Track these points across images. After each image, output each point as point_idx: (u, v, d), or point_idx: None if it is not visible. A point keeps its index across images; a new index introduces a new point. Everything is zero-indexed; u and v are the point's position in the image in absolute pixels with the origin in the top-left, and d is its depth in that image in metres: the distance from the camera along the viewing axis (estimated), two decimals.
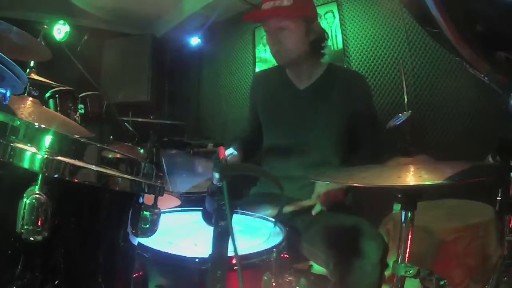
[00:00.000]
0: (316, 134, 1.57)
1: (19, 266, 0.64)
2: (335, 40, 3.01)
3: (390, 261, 1.36)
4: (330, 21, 3.04)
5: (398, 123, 1.77)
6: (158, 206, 0.86)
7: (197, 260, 0.91)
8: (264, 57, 3.67)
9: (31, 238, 0.62)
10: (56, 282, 0.67)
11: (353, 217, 1.39)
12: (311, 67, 1.59)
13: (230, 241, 0.78)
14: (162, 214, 0.87)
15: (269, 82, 1.73)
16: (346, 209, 1.52)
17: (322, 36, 1.58)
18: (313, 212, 1.43)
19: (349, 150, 1.60)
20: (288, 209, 1.42)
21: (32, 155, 0.64)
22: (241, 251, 0.94)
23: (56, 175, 0.64)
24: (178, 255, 0.94)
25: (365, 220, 1.36)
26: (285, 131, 1.63)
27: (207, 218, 0.90)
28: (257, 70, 3.75)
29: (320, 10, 3.09)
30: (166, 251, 0.95)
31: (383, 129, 1.86)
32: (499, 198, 1.24)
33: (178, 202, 1.72)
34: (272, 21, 1.47)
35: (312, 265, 1.61)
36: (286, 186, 0.95)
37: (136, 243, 0.88)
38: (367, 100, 1.62)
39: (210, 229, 0.81)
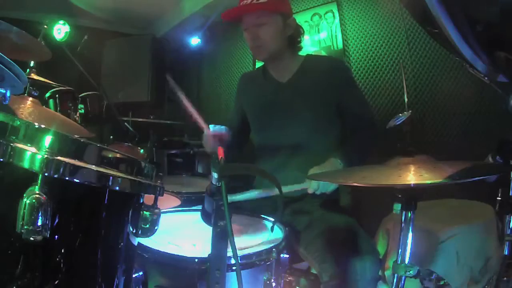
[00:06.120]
0: (305, 125, 1.58)
1: (19, 266, 0.64)
2: (335, 40, 3.01)
3: (390, 261, 1.36)
4: (330, 21, 3.04)
5: (398, 123, 1.77)
6: (158, 206, 0.86)
7: (196, 260, 0.91)
8: None
9: (31, 238, 0.62)
10: (56, 282, 0.67)
11: (349, 225, 1.37)
12: (290, 61, 1.65)
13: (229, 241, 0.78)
14: (162, 214, 0.87)
15: (253, 81, 1.80)
16: (344, 210, 1.51)
17: (298, 31, 1.65)
18: (309, 191, 1.33)
19: (342, 136, 1.61)
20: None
21: (32, 155, 0.64)
22: (241, 251, 0.95)
23: (56, 175, 0.64)
24: (177, 255, 0.94)
25: (363, 232, 1.34)
26: (274, 126, 1.65)
27: (206, 218, 0.90)
28: None
29: (320, 10, 3.09)
30: (166, 251, 0.95)
31: (373, 110, 1.80)
32: (499, 198, 1.24)
33: (178, 202, 1.72)
34: (250, 18, 1.55)
35: None
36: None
37: (136, 243, 0.88)
38: (348, 83, 1.63)
39: (210, 229, 0.81)
